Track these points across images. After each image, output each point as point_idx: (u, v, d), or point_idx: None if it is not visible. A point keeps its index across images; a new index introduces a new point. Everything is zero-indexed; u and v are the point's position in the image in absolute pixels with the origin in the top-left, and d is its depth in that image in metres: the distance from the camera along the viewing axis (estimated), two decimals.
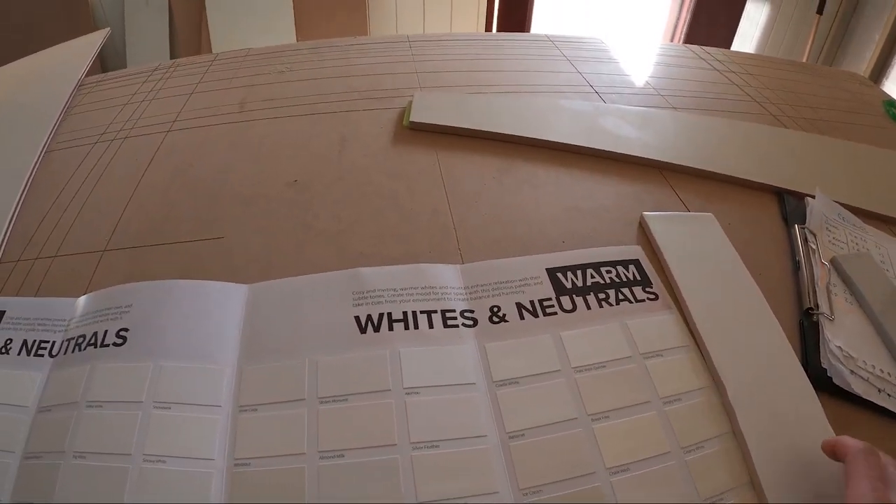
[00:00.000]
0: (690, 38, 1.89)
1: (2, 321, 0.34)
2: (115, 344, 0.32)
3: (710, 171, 0.46)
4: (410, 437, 0.27)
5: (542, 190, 0.45)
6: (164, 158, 0.50)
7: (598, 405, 0.29)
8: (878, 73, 1.73)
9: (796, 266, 0.38)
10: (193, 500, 0.26)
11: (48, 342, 0.33)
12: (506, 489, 0.26)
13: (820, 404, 0.30)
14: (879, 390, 0.31)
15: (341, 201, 0.44)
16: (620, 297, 0.35)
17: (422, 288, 0.34)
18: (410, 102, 0.54)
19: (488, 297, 0.34)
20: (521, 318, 0.33)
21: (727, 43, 1.87)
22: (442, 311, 0.33)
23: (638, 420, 0.30)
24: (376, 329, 0.32)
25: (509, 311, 0.33)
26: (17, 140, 0.54)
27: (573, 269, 0.36)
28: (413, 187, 0.45)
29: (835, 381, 0.31)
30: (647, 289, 0.36)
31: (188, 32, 1.53)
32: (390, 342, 0.31)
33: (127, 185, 0.47)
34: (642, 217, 0.40)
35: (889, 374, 0.32)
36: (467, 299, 0.34)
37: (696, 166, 0.46)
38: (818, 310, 0.34)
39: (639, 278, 0.37)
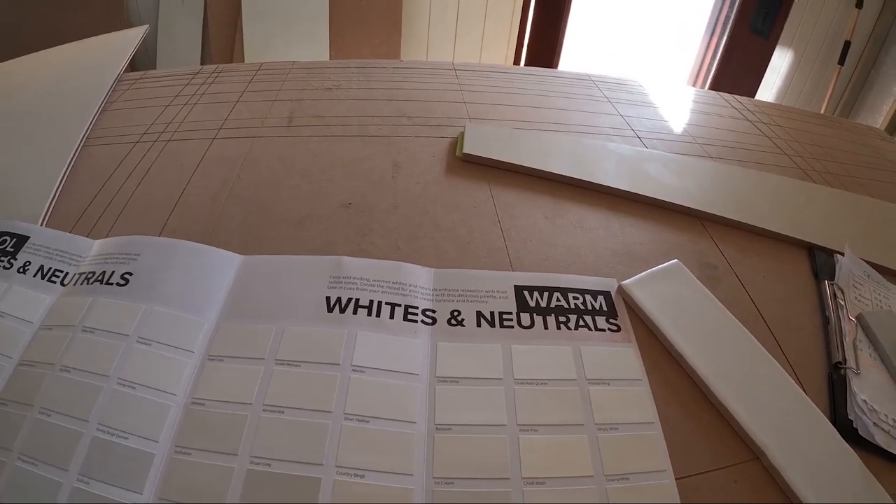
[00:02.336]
0: (718, 81, 1.94)
1: (25, 245, 0.40)
2: (118, 284, 0.37)
3: (746, 224, 0.49)
4: (346, 408, 0.31)
5: (592, 233, 0.46)
6: (212, 166, 0.51)
7: (529, 417, 0.32)
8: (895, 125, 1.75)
9: (826, 321, 0.40)
10: (151, 424, 0.30)
11: (62, 272, 0.39)
12: (420, 473, 0.29)
13: (854, 452, 0.31)
14: None
15: (399, 229, 0.45)
16: (581, 323, 0.38)
17: (393, 283, 0.38)
18: (462, 133, 0.57)
19: (452, 301, 0.38)
20: (478, 325, 0.36)
21: (753, 89, 1.90)
22: (405, 305, 0.37)
23: (566, 439, 0.32)
24: (342, 311, 0.36)
25: (468, 316, 0.37)
26: (56, 130, 0.55)
27: (540, 289, 0.39)
28: (469, 222, 0.46)
29: (860, 432, 0.33)
30: (611, 320, 0.38)
31: (222, 37, 1.49)
32: (351, 324, 0.35)
33: (173, 188, 0.48)
34: (621, 287, 0.40)
35: None
36: (432, 300, 0.38)
37: (734, 217, 0.49)
38: (846, 364, 0.36)
39: (605, 309, 0.39)
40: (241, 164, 0.52)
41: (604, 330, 0.38)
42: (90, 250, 0.40)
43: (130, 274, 0.38)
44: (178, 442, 0.30)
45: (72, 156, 0.52)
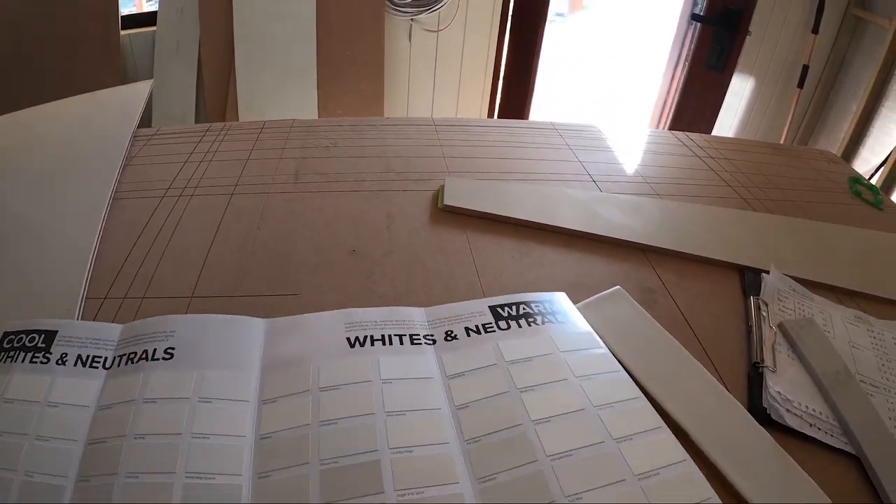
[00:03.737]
0: (678, 118, 2.07)
1: (55, 339, 0.42)
2: (163, 358, 0.42)
3: (684, 252, 0.56)
4: (385, 408, 0.40)
5: (551, 268, 0.55)
6: (233, 219, 0.59)
7: (524, 381, 0.42)
8: (855, 143, 1.89)
9: (749, 329, 0.47)
10: (232, 462, 0.38)
11: (101, 357, 0.41)
12: (454, 441, 0.38)
13: (766, 432, 0.38)
14: (811, 425, 0.39)
15: (396, 272, 0.54)
16: (546, 320, 0.50)
17: (396, 321, 0.49)
18: (442, 187, 0.66)
19: (444, 325, 0.49)
20: (468, 336, 0.47)
21: (711, 122, 2.04)
22: (410, 334, 0.47)
23: (557, 390, 0.42)
24: (362, 345, 0.46)
25: (460, 333, 0.48)
26: (85, 185, 0.62)
27: (509, 304, 0.51)
28: (451, 263, 0.55)
29: (772, 416, 0.40)
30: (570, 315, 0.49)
31: (215, 87, 1.60)
32: (372, 353, 0.45)
33: (202, 239, 0.56)
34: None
35: (821, 412, 0.41)
36: (428, 327, 0.49)
37: (673, 248, 0.56)
38: (763, 363, 0.43)
39: (564, 309, 0.51)
40: (259, 217, 0.60)
41: (564, 322, 0.50)
42: (119, 334, 0.44)
43: (173, 348, 0.43)
44: (258, 469, 0.37)
45: (104, 216, 0.57)
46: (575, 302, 0.49)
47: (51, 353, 0.42)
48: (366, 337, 0.45)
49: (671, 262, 0.56)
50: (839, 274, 0.56)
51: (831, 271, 0.56)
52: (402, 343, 0.45)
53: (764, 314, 0.47)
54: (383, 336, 0.45)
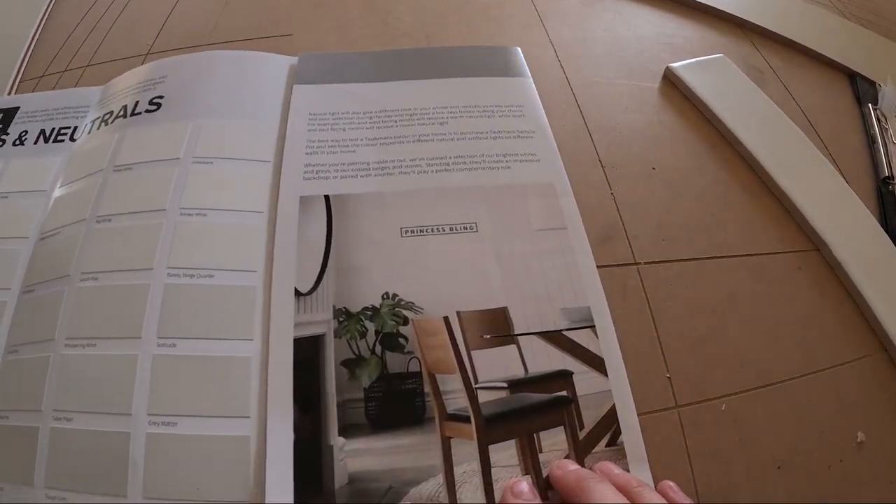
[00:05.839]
0: None
1: (15, 118, 0.32)
2: (147, 111, 0.27)
3: (789, 38, 0.49)
4: None
5: (632, 22, 0.45)
6: None
7: None
8: None
9: (871, 140, 0.41)
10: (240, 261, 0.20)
11: (69, 128, 0.31)
12: None
13: None
14: None
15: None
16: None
17: None
18: None
19: None
20: None
21: None
22: None
23: None
24: None
25: None
26: None
27: None
28: None
29: None
30: None
31: None
32: None
33: None
34: (669, 69, 0.40)
35: None
36: None
37: (777, 31, 0.49)
38: (894, 180, 0.38)
39: None
40: None
41: None
42: (97, 96, 0.30)
43: (161, 97, 0.28)
44: None
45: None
46: (665, 64, 0.41)
47: (7, 135, 0.32)
48: None
49: (774, 46, 0.47)
50: None
51: None
52: None
53: (886, 126, 0.42)
54: None
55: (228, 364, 0.21)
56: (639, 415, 0.23)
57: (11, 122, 0.32)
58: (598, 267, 0.26)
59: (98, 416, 0.21)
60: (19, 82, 0.37)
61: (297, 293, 0.22)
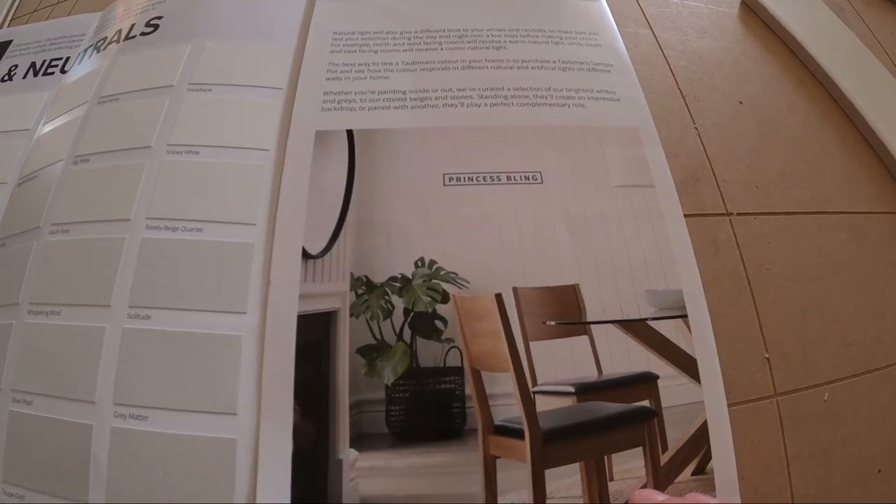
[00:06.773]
0: None
1: (7, 52, 0.30)
2: (142, 34, 0.23)
3: None
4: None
5: None
6: None
7: None
8: None
9: None
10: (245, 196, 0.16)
11: (60, 59, 0.28)
12: None
13: None
14: None
15: None
16: None
17: None
18: None
19: None
20: None
21: None
22: None
23: None
24: None
25: None
26: None
27: None
28: None
29: None
30: None
31: None
32: None
33: None
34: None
35: None
36: None
37: None
38: None
39: None
40: None
41: None
42: (94, 23, 0.26)
43: (159, 17, 0.23)
44: None
45: None
46: None
47: None
48: None
49: None
50: None
51: None
52: None
53: None
54: None
55: (214, 344, 0.16)
56: (730, 405, 0.18)
57: (2, 56, 0.29)
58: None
59: (59, 402, 0.17)
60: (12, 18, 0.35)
61: (306, 255, 0.17)
